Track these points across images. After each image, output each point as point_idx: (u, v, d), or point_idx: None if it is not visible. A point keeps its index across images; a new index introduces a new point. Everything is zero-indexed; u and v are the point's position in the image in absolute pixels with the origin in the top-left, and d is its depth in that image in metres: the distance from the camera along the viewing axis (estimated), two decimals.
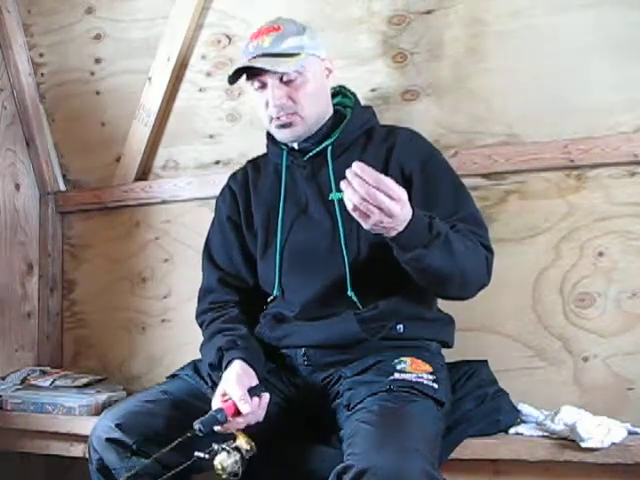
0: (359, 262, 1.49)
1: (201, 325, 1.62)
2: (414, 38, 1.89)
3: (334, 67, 1.59)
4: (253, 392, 1.35)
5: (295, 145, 1.58)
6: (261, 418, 1.36)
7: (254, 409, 1.34)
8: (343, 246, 1.50)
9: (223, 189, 1.71)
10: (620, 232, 1.69)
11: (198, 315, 1.64)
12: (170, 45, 2.13)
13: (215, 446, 1.28)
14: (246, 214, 1.64)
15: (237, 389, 1.34)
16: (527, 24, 1.79)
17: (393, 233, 1.30)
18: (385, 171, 1.53)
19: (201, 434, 1.26)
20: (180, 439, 1.28)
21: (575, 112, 1.74)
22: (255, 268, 1.63)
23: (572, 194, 1.74)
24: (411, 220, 1.30)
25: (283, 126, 1.53)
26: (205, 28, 2.13)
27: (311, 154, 1.57)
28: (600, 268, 1.71)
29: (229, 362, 1.43)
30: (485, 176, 1.80)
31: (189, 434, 1.27)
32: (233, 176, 1.71)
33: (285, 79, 1.51)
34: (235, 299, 1.62)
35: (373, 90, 1.92)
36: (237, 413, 1.32)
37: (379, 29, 1.93)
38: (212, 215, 1.70)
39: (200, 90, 2.15)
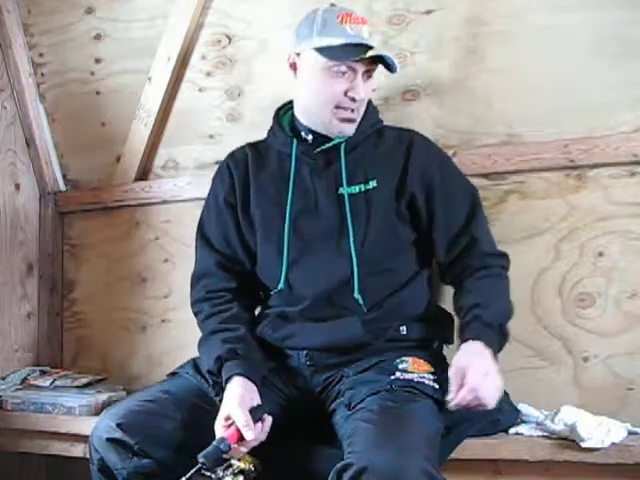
0: (366, 260, 1.49)
1: (197, 314, 1.60)
2: (414, 38, 1.89)
3: None
4: (256, 415, 1.34)
5: (310, 138, 1.56)
6: (263, 439, 1.35)
7: (257, 435, 1.33)
8: (351, 241, 1.50)
9: (221, 168, 1.67)
10: (620, 232, 1.69)
11: (194, 303, 1.61)
12: (170, 45, 2.13)
13: (220, 472, 1.28)
14: (243, 198, 1.61)
15: (241, 414, 1.32)
16: (527, 24, 1.79)
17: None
18: (404, 175, 1.54)
19: (205, 467, 1.25)
20: (188, 475, 1.25)
21: (575, 112, 1.74)
22: (251, 252, 1.60)
23: (572, 194, 1.74)
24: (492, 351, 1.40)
25: (350, 120, 1.52)
26: (205, 28, 2.13)
27: (323, 147, 1.56)
28: (600, 268, 1.71)
29: (229, 377, 1.42)
30: (485, 176, 1.80)
31: (195, 468, 1.25)
32: (232, 156, 1.67)
33: (369, 73, 1.52)
34: (232, 286, 1.59)
35: (373, 90, 1.91)
36: (241, 438, 1.31)
37: (379, 29, 1.92)
38: None
39: (200, 90, 2.15)
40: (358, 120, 1.55)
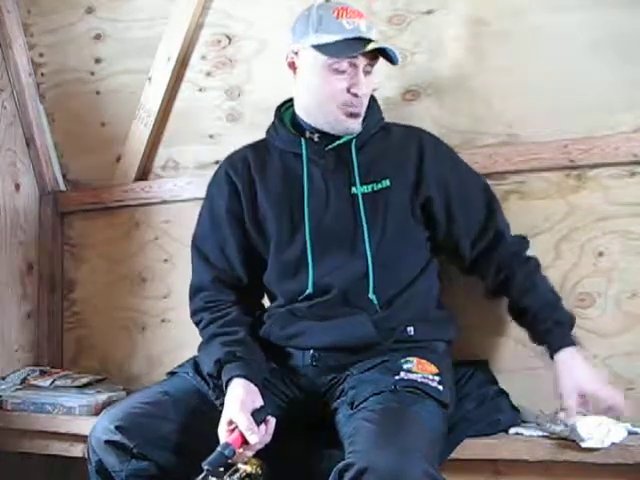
0: (381, 261, 1.49)
1: (197, 323, 1.59)
2: (414, 38, 1.89)
3: None
4: (258, 417, 1.34)
5: (315, 137, 1.55)
6: (268, 441, 1.35)
7: (261, 437, 1.32)
8: (366, 243, 1.50)
9: (218, 176, 1.63)
10: (620, 232, 1.69)
11: (193, 313, 1.60)
12: (170, 45, 2.13)
13: (227, 478, 1.26)
14: (251, 207, 1.58)
15: (243, 418, 1.31)
16: (527, 24, 1.78)
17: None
18: (419, 177, 1.55)
19: (211, 474, 1.24)
20: None
21: (575, 112, 1.74)
22: (249, 264, 1.59)
23: (572, 194, 1.74)
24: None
25: (356, 115, 1.51)
26: (205, 28, 2.13)
27: (334, 145, 1.54)
28: (600, 268, 1.70)
29: (229, 379, 1.41)
30: (485, 176, 1.79)
31: (200, 476, 1.23)
32: (230, 162, 1.63)
33: (369, 68, 1.50)
34: (231, 298, 1.58)
35: (373, 90, 1.91)
36: (245, 442, 1.30)
37: (379, 29, 1.91)
38: None
39: (200, 90, 2.15)
40: (362, 115, 1.53)
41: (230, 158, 1.66)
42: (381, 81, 1.91)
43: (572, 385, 1.45)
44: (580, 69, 1.74)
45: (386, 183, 1.53)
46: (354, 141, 1.54)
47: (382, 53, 1.50)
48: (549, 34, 1.77)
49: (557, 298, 1.56)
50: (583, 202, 1.73)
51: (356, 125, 1.53)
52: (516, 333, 1.77)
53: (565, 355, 1.48)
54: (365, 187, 1.53)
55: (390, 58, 1.51)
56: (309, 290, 1.51)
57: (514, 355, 1.76)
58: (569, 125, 1.74)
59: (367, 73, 1.50)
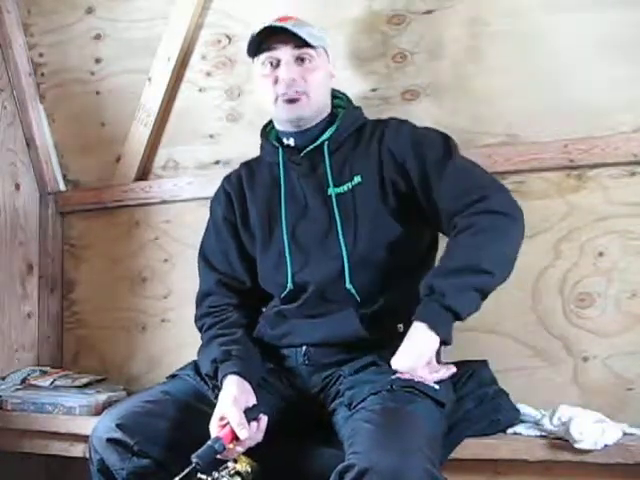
0: (357, 256, 1.50)
1: (200, 329, 1.62)
2: (414, 38, 1.89)
3: (335, 74, 1.62)
4: (251, 415, 1.34)
5: (291, 142, 1.58)
6: (260, 439, 1.36)
7: (252, 434, 1.33)
8: (341, 240, 1.51)
9: (217, 191, 1.72)
10: (620, 232, 1.69)
11: (197, 319, 1.64)
12: (170, 45, 2.13)
13: (215, 474, 1.27)
14: (242, 214, 1.64)
15: (235, 413, 1.33)
16: (527, 24, 1.79)
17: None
18: (380, 165, 1.54)
19: (199, 467, 1.24)
20: (181, 475, 1.23)
21: (575, 112, 1.74)
22: (252, 269, 1.63)
23: (572, 194, 1.74)
24: (433, 325, 1.33)
25: (290, 101, 1.52)
26: (205, 28, 2.13)
27: (307, 150, 1.57)
28: (600, 268, 1.71)
29: (224, 376, 1.43)
30: None
31: (188, 468, 1.23)
32: (227, 178, 1.72)
33: (300, 56, 1.52)
34: (234, 302, 1.62)
35: (373, 90, 1.92)
36: (235, 437, 1.31)
37: (379, 29, 1.93)
38: None
39: (200, 90, 2.15)
40: (308, 104, 1.53)
41: (228, 176, 1.73)
42: (381, 81, 1.92)
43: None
44: (580, 69, 1.74)
45: (358, 179, 1.54)
46: (326, 144, 1.56)
47: (302, 41, 1.50)
48: (549, 34, 1.77)
49: (459, 264, 1.36)
50: (583, 202, 1.73)
51: (297, 112, 1.54)
52: (515, 333, 1.77)
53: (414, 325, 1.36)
54: (340, 188, 1.54)
55: (305, 41, 1.50)
56: (289, 286, 1.54)
57: (514, 355, 1.76)
58: (569, 125, 1.74)
59: (300, 60, 1.53)
